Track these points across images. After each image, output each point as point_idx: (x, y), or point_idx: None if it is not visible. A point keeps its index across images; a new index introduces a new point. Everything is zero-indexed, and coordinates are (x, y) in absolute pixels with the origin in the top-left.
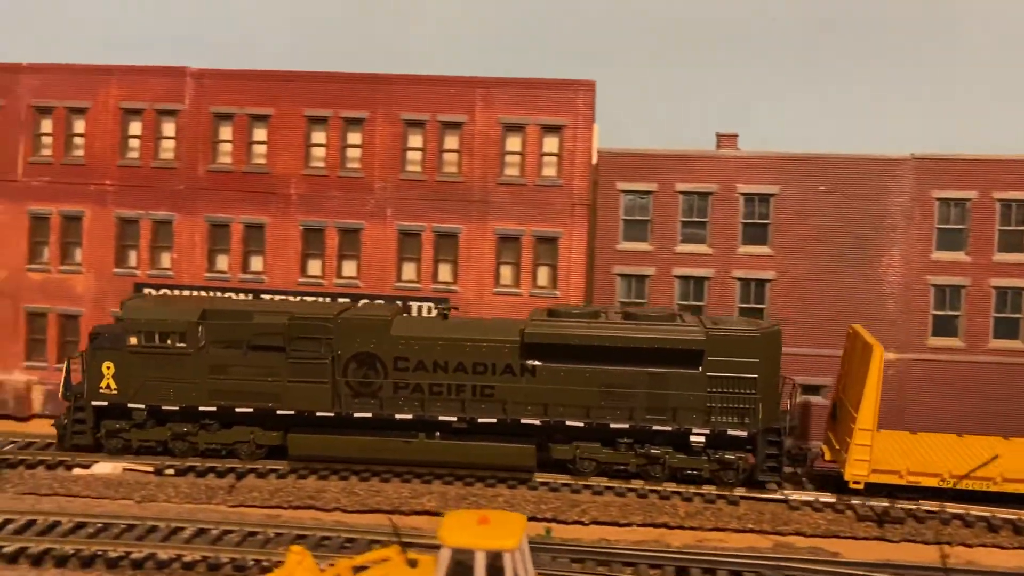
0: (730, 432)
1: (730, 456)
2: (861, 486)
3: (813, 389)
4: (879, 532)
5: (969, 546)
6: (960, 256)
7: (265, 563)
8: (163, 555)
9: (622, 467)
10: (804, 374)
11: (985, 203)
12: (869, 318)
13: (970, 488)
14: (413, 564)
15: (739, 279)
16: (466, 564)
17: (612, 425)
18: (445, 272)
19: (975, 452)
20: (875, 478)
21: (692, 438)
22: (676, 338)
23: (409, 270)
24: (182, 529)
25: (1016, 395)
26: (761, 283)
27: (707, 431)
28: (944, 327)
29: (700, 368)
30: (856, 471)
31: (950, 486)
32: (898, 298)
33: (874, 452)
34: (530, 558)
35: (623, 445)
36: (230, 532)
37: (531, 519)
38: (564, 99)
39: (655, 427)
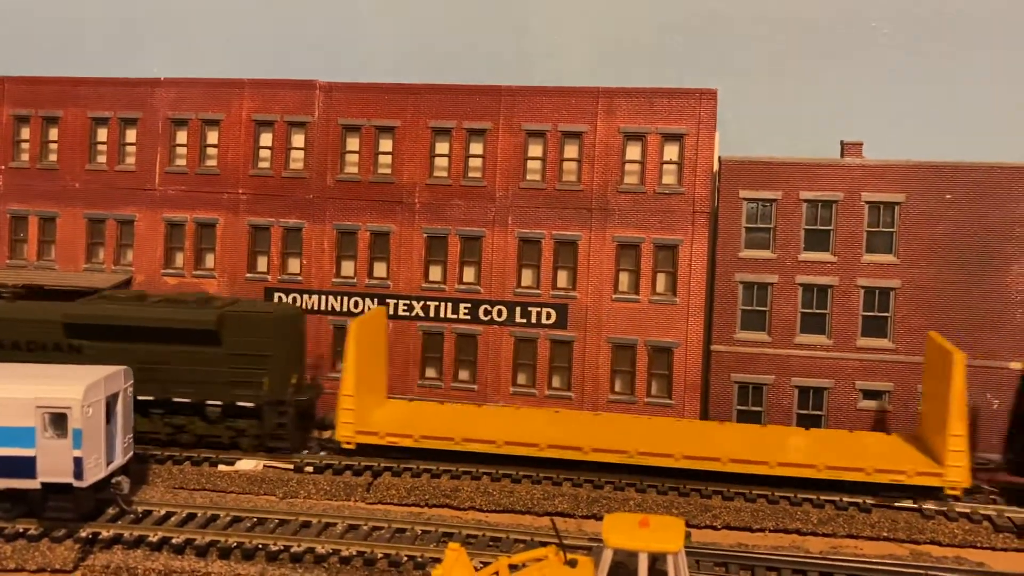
0: (240, 403)
1: (242, 424)
2: None
3: None
4: (1019, 543)
5: None
6: None
7: (419, 558)
8: (320, 549)
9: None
10: None
11: None
12: (996, 327)
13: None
14: (572, 564)
15: (863, 287)
16: (626, 565)
17: (139, 397)
18: (564, 279)
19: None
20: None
21: (207, 408)
22: (189, 319)
23: (527, 276)
24: (333, 525)
25: None
26: (886, 291)
27: (220, 402)
28: None
29: (221, 346)
30: None
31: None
32: None
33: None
34: (686, 562)
35: (156, 415)
36: (379, 528)
37: None
38: (685, 107)
39: (177, 398)
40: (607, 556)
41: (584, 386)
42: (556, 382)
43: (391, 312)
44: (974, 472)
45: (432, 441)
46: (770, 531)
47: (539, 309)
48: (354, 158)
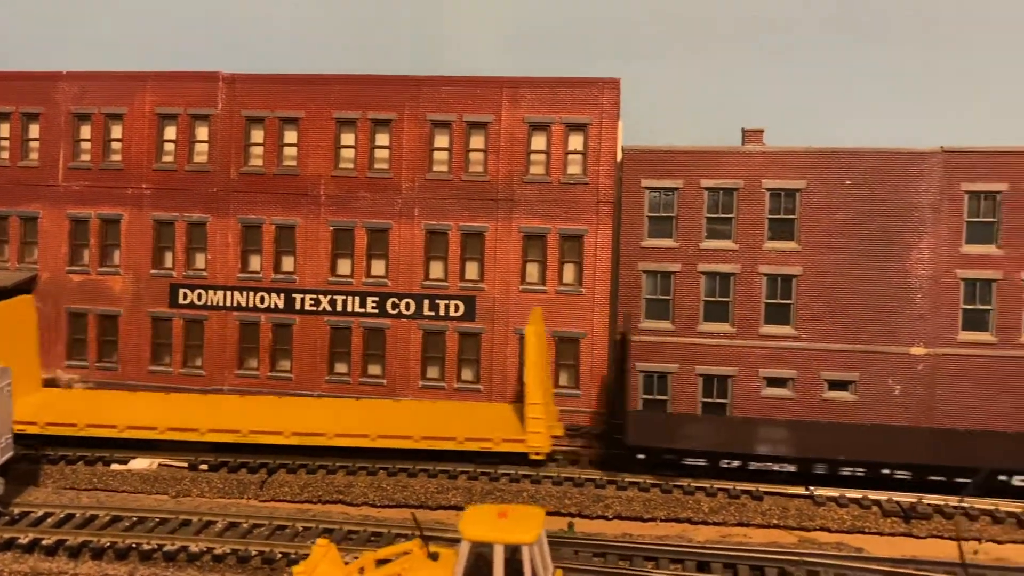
0: None
1: None
2: None
3: (841, 384)
4: (905, 528)
5: (999, 542)
6: (991, 249)
7: (293, 555)
8: (194, 548)
9: None
10: (831, 369)
11: (1017, 195)
12: (897, 313)
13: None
14: (434, 557)
15: (765, 274)
16: (486, 557)
17: None
18: (472, 270)
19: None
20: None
21: None
22: None
23: (437, 269)
24: (213, 523)
25: None
26: (788, 278)
27: None
28: (975, 322)
29: None
30: None
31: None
32: (927, 292)
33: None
34: (548, 551)
35: None
36: (260, 526)
37: (555, 514)
38: (589, 97)
39: None
40: (464, 548)
41: (492, 378)
42: (465, 375)
43: (298, 307)
44: None
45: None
46: (661, 520)
47: (447, 302)
48: (258, 150)
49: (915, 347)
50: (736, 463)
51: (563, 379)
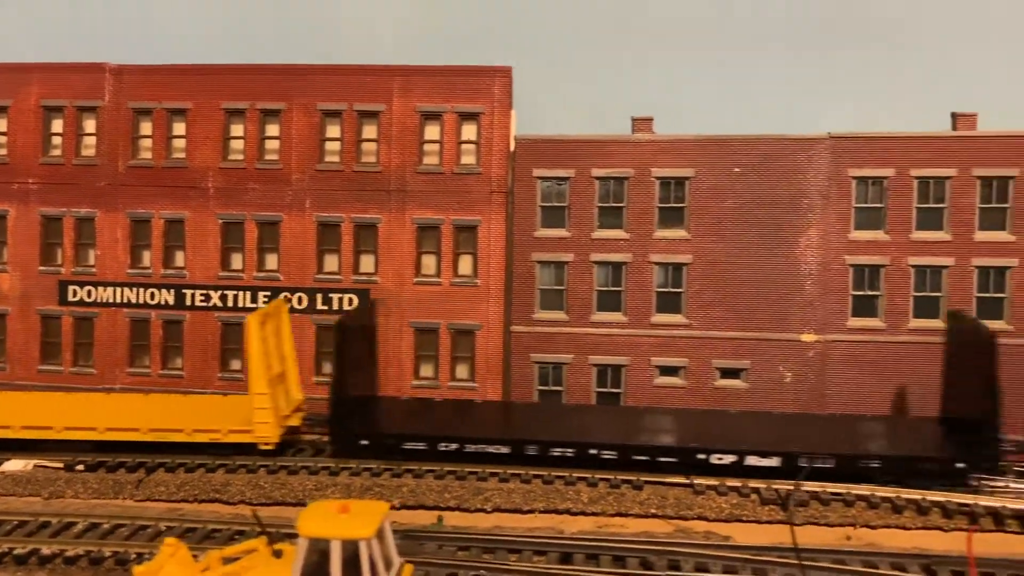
0: None
1: None
2: None
3: (732, 372)
4: (784, 515)
5: (873, 527)
6: (879, 235)
7: (147, 556)
8: (46, 551)
9: None
10: (722, 357)
11: (903, 181)
12: (787, 300)
13: None
14: (279, 554)
15: (656, 263)
16: (326, 553)
17: None
18: (368, 263)
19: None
20: None
21: None
22: None
23: (332, 262)
24: (74, 524)
25: (936, 375)
26: (678, 267)
27: None
28: (864, 307)
29: None
30: None
31: None
32: (816, 279)
33: None
34: (393, 546)
35: None
36: (121, 527)
37: (435, 508)
38: (481, 86)
39: None
40: (302, 545)
41: (388, 371)
42: None
43: (189, 303)
44: None
45: None
46: (540, 512)
47: (341, 295)
48: (147, 143)
49: (805, 334)
50: (454, 446)
51: (460, 372)
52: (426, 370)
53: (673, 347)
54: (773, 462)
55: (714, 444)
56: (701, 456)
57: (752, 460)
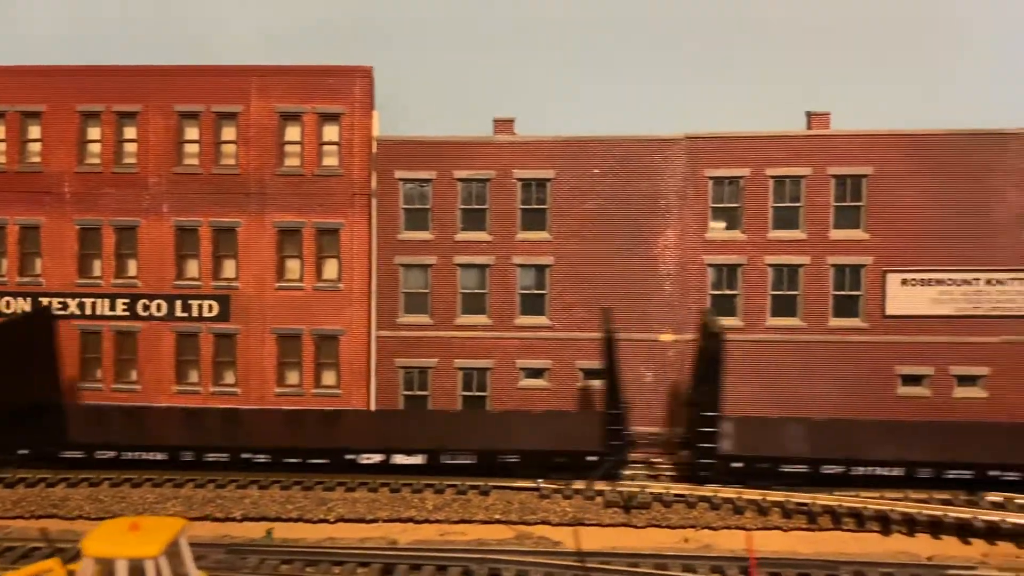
0: None
1: None
2: None
3: (596, 373)
4: (625, 518)
5: (714, 528)
6: (736, 235)
7: None
8: None
9: None
10: (585, 358)
11: (759, 180)
12: (647, 300)
13: None
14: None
15: (519, 265)
16: (112, 573)
17: None
18: (224, 268)
19: None
20: None
21: None
22: None
23: (190, 267)
24: None
25: (796, 372)
26: (541, 268)
27: None
28: (723, 307)
29: None
30: None
31: None
32: (675, 279)
33: None
34: (191, 562)
35: None
36: None
37: (276, 519)
38: (341, 86)
39: None
40: (87, 565)
41: (250, 380)
42: (222, 378)
43: None
44: None
45: None
46: (384, 521)
47: (201, 302)
48: (0, 147)
49: (665, 334)
50: (112, 454)
51: (326, 379)
52: (292, 378)
53: (537, 349)
54: (418, 460)
55: (363, 444)
56: (350, 456)
57: (399, 459)
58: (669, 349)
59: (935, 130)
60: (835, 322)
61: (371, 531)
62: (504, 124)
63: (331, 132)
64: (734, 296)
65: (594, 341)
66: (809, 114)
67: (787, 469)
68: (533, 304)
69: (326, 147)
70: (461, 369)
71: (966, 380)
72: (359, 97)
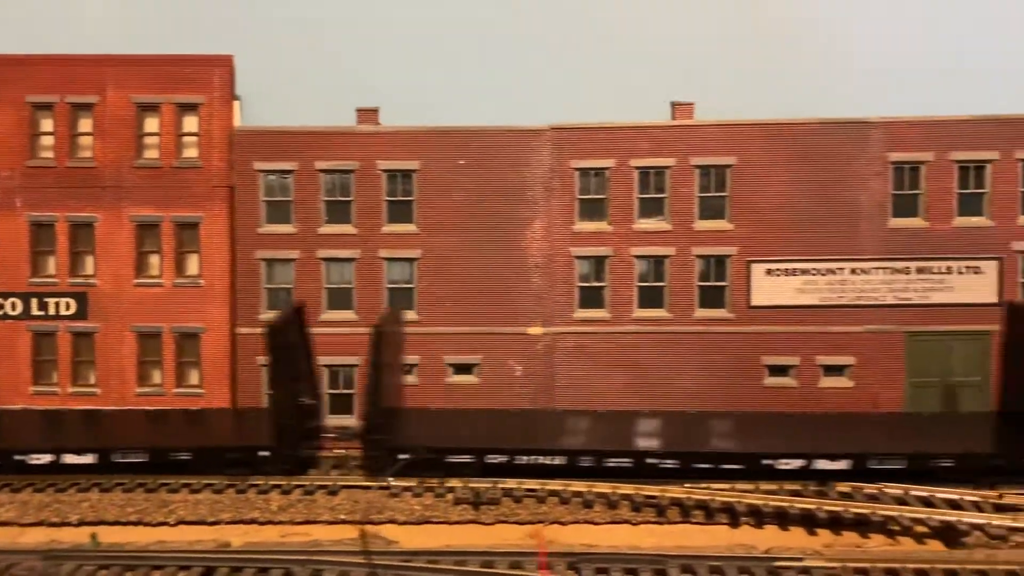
0: None
1: None
2: None
3: (465, 368)
4: (474, 515)
5: (563, 523)
6: (603, 226)
7: None
8: None
9: None
10: (453, 353)
11: (623, 171)
12: (516, 293)
13: None
14: None
15: (386, 259)
16: None
17: None
18: (83, 264)
19: None
20: None
21: None
22: None
23: (46, 264)
24: None
25: (663, 364)
26: (408, 262)
27: None
28: (591, 298)
29: None
30: None
31: None
32: (543, 271)
33: None
34: None
35: None
36: None
37: (115, 523)
38: (200, 76)
39: None
40: None
41: (110, 380)
42: (81, 378)
43: None
44: None
45: None
46: (227, 523)
47: (58, 300)
48: None
49: (533, 327)
50: None
51: (189, 378)
52: (153, 377)
53: (407, 343)
54: (89, 459)
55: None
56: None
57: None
58: (538, 342)
59: (798, 119)
60: (701, 313)
61: (212, 533)
62: (368, 114)
63: (190, 123)
64: (602, 288)
65: (462, 335)
66: (673, 104)
67: (455, 460)
68: (400, 298)
69: (185, 138)
70: (327, 367)
71: (832, 370)
72: (219, 87)
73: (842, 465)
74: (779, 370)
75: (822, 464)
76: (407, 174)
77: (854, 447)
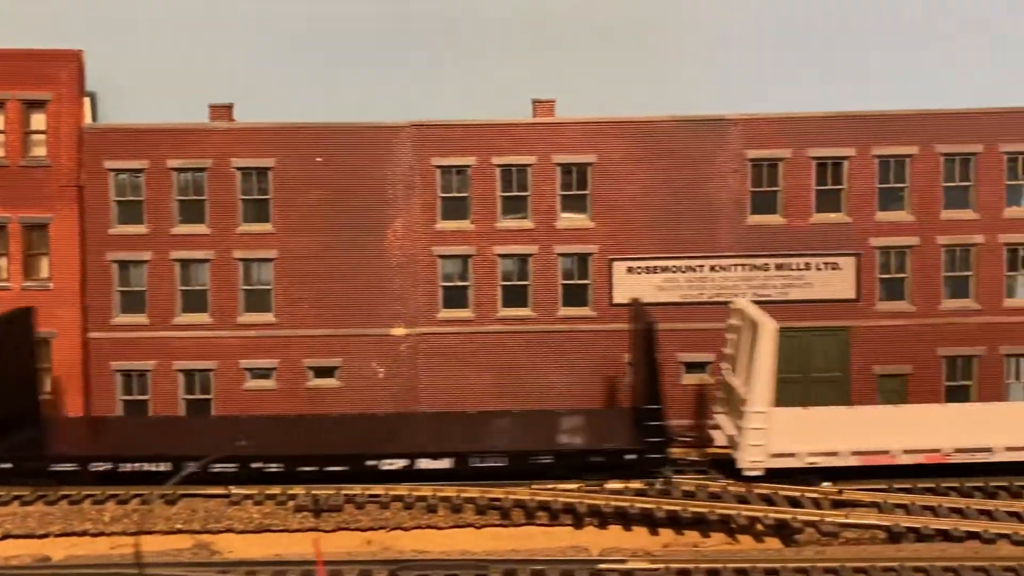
0: None
1: None
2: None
3: (326, 371)
4: (315, 522)
5: (406, 529)
6: (465, 225)
7: None
8: None
9: None
10: (314, 356)
11: (485, 169)
12: (377, 293)
13: None
14: None
15: (241, 259)
16: None
17: None
18: None
19: None
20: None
21: None
22: None
23: None
24: None
25: (528, 364)
26: (265, 262)
27: None
28: (454, 298)
29: None
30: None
31: None
32: (405, 271)
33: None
34: None
35: None
36: None
37: None
38: (47, 72)
39: None
40: None
41: None
42: None
43: None
44: None
45: None
46: (56, 536)
47: None
48: None
49: (396, 328)
50: None
51: (44, 385)
52: None
53: (263, 348)
54: None
55: None
56: None
57: None
58: (401, 343)
59: (657, 117)
60: (565, 311)
61: (37, 548)
62: (221, 110)
63: (38, 120)
64: (466, 287)
65: (323, 338)
66: (535, 101)
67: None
68: (257, 300)
69: (33, 136)
70: (182, 371)
71: (693, 367)
72: (67, 83)
73: (445, 464)
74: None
75: (424, 464)
76: (263, 172)
77: (456, 446)
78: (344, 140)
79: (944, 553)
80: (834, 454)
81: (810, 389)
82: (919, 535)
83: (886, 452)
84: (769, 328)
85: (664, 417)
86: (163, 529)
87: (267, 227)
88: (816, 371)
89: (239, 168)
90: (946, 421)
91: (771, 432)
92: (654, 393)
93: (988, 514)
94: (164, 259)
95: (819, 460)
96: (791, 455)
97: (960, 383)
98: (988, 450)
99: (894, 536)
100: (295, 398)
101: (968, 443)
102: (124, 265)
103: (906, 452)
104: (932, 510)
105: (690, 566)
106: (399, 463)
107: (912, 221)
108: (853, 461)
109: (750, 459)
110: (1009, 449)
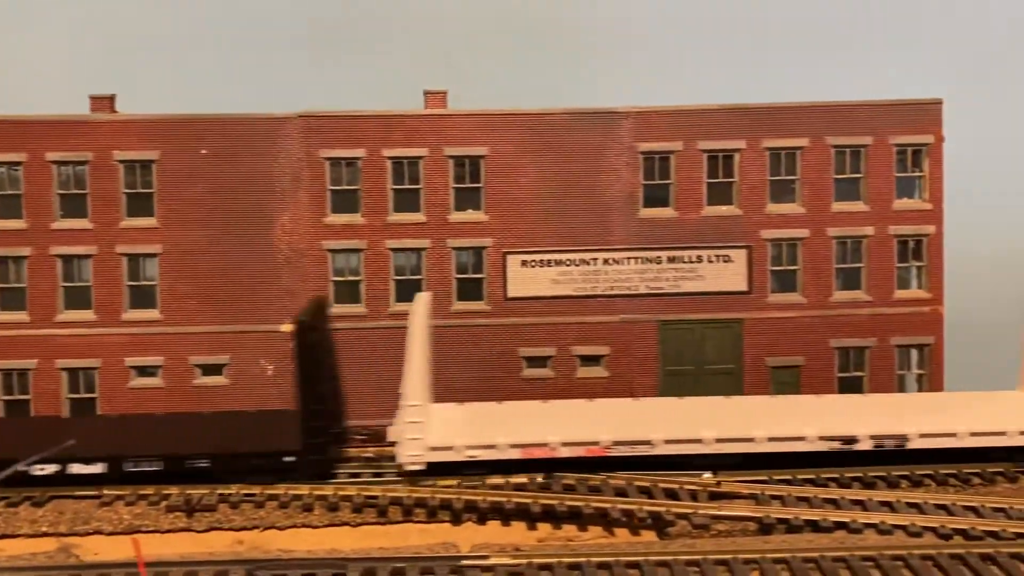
0: None
1: None
2: None
3: (214, 369)
4: (187, 522)
5: (280, 528)
6: (356, 218)
7: None
8: None
9: None
10: (200, 353)
11: (376, 162)
12: (266, 289)
13: None
14: None
15: (124, 255)
16: None
17: None
18: None
19: None
20: None
21: None
22: None
23: None
24: None
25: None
26: (149, 257)
27: None
28: (346, 293)
29: None
30: None
31: None
32: (295, 266)
33: None
34: None
35: None
36: None
37: None
38: None
39: None
40: None
41: None
42: None
43: None
44: None
45: None
46: None
47: None
48: None
49: (285, 324)
50: None
51: None
52: None
53: (148, 345)
54: None
55: None
56: None
57: None
58: (291, 340)
59: (549, 110)
60: (459, 306)
61: None
62: (102, 101)
63: None
64: (358, 282)
65: (210, 334)
66: (426, 93)
67: None
68: (142, 297)
69: None
70: (65, 370)
71: (589, 360)
72: None
73: (98, 469)
74: (537, 361)
75: (77, 468)
76: (146, 165)
77: (108, 450)
78: (230, 132)
79: (810, 544)
80: (493, 447)
81: (703, 381)
82: (789, 526)
83: (545, 445)
84: (416, 323)
85: (327, 418)
86: (28, 532)
87: (152, 221)
88: (709, 363)
89: (122, 161)
90: (614, 416)
91: (432, 426)
92: (311, 395)
93: (861, 504)
94: (45, 255)
95: (479, 453)
96: (449, 448)
97: (852, 374)
98: (648, 443)
99: (765, 527)
100: (182, 396)
101: (627, 436)
102: (2, 261)
103: (564, 445)
104: (807, 501)
105: (553, 561)
106: (50, 468)
107: (803, 213)
108: (513, 454)
109: (408, 453)
110: (668, 442)
